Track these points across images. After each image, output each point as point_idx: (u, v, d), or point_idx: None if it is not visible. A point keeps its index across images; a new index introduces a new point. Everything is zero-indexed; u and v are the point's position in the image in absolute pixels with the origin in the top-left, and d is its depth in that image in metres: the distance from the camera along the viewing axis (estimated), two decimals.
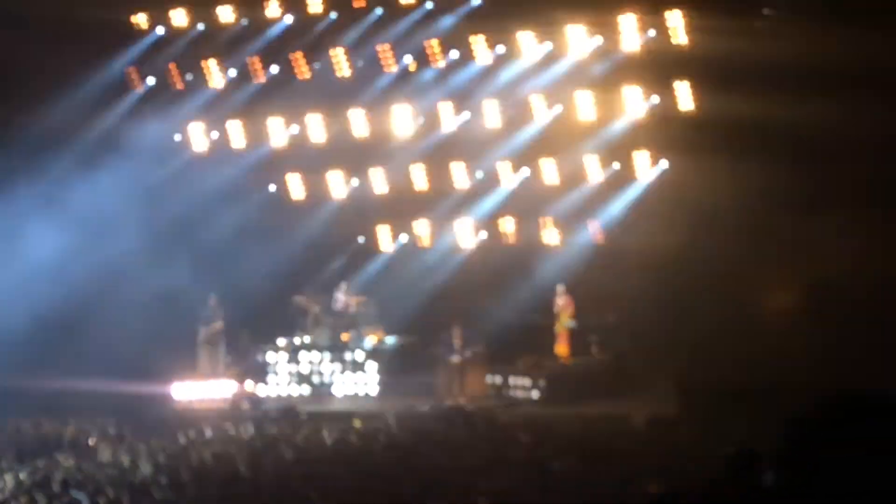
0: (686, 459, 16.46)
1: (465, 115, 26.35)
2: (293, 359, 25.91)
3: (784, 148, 22.34)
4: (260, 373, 25.77)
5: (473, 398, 24.07)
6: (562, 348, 24.98)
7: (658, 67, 24.19)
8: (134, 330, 24.91)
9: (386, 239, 28.00)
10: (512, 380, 24.75)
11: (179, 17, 27.79)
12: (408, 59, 26.46)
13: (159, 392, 24.79)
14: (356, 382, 25.57)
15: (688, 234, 23.59)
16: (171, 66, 28.18)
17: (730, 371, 21.65)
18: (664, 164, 24.85)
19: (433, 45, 26.05)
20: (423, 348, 25.53)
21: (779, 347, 21.94)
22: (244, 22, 27.48)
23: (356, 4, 26.53)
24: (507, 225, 26.63)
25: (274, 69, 27.56)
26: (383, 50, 26.42)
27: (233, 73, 27.96)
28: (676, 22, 23.62)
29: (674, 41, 23.71)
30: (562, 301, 24.93)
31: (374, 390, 25.44)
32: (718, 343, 22.47)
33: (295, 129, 27.83)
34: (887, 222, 21.72)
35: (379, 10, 26.40)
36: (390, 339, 26.28)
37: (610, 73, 24.81)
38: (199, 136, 28.53)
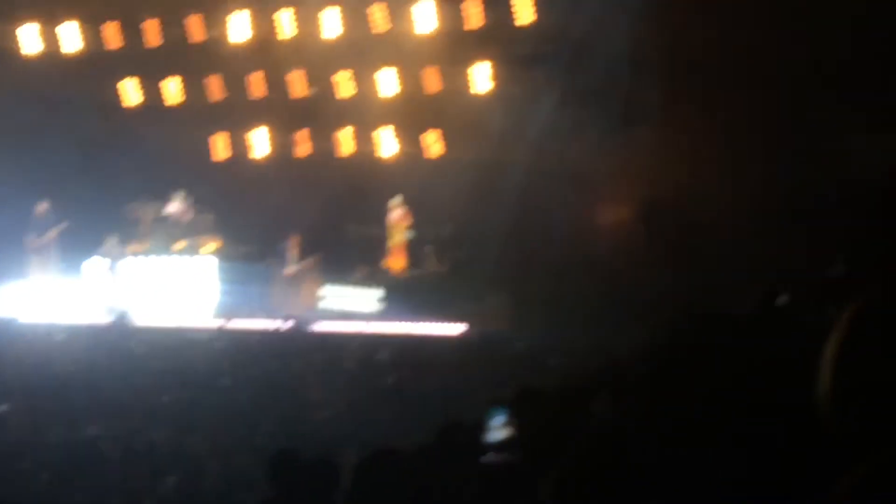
0: (519, 371, 16.57)
1: (305, 22, 25.91)
2: (124, 268, 25.49)
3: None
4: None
5: (307, 310, 23.96)
6: (396, 261, 24.91)
7: None
8: None
9: (223, 147, 27.54)
10: (346, 291, 24.69)
11: None
12: None
13: None
14: (192, 293, 25.23)
15: (526, 147, 23.68)
16: None
17: (567, 283, 21.87)
18: (502, 75, 24.68)
19: None
20: (259, 259, 25.30)
21: (613, 261, 22.23)
22: None
23: None
24: (344, 135, 26.35)
25: None
26: None
27: None
28: None
29: None
30: (398, 213, 24.82)
31: (209, 301, 25.12)
32: (554, 256, 22.66)
33: (131, 33, 27.15)
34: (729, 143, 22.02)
35: None
36: (226, 249, 25.90)
37: None
38: (31, 39, 27.72)
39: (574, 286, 21.88)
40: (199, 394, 17.53)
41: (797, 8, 21.07)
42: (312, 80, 26.19)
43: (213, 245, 25.75)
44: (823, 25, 20.56)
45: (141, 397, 17.38)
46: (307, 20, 25.75)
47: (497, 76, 24.56)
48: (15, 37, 27.64)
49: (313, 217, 25.07)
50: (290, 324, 21.96)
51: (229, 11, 26.25)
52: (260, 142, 27.16)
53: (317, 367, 19.21)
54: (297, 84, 26.30)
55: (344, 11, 25.44)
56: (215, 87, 26.99)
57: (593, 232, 23.69)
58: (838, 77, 20.68)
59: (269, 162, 27.04)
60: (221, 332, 22.64)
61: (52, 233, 25.80)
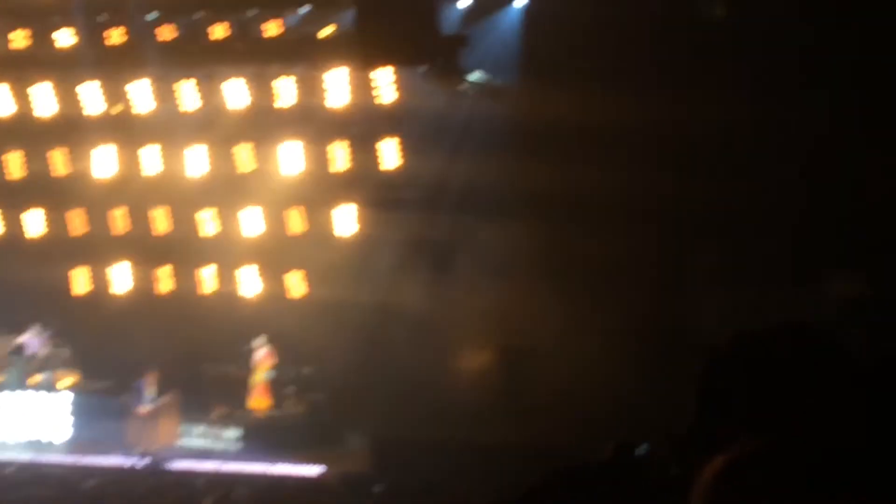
0: None
1: (172, 161, 25.99)
2: None
3: (490, 209, 23.00)
4: None
5: (164, 448, 23.72)
6: (258, 401, 24.82)
7: (365, 124, 24.42)
8: None
9: (82, 282, 27.31)
10: (205, 430, 24.53)
11: None
12: (113, 103, 25.96)
13: None
14: (44, 428, 24.84)
15: (389, 292, 23.95)
16: None
17: (424, 426, 21.98)
18: (367, 221, 24.94)
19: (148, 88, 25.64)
20: (115, 395, 25.01)
21: (474, 407, 22.44)
22: None
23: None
24: (208, 274, 26.35)
25: None
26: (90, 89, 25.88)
27: None
28: (384, 80, 23.84)
29: (380, 100, 23.91)
30: (261, 353, 24.81)
31: (62, 437, 24.73)
32: (416, 400, 22.80)
33: None
34: (579, 293, 22.49)
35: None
36: (83, 384, 25.60)
37: (319, 128, 24.87)
38: None
39: (434, 430, 22.00)
40: None
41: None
42: (176, 217, 26.19)
43: (69, 379, 25.44)
44: None
45: None
46: (173, 157, 25.83)
47: (361, 219, 24.84)
48: None
49: (172, 354, 24.95)
50: (145, 461, 21.70)
51: (94, 145, 26.20)
52: (121, 277, 26.99)
53: None
54: (161, 220, 26.29)
55: (211, 150, 25.58)
56: (77, 222, 26.85)
57: (453, 376, 23.90)
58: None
59: (130, 297, 26.86)
60: (75, 469, 22.28)
61: None
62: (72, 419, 24.83)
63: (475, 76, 23.01)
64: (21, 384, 25.21)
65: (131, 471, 21.50)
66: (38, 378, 25.35)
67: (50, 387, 25.19)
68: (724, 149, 21.82)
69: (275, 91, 24.66)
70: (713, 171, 21.58)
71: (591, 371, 21.56)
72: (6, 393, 25.06)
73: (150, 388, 24.20)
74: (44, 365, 25.59)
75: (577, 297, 22.48)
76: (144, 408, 24.06)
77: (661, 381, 20.27)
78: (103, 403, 24.91)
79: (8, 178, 26.94)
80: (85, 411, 24.90)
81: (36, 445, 24.39)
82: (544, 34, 22.86)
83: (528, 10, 23.59)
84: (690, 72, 21.55)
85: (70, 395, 25.12)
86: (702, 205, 21.57)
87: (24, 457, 23.24)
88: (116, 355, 25.28)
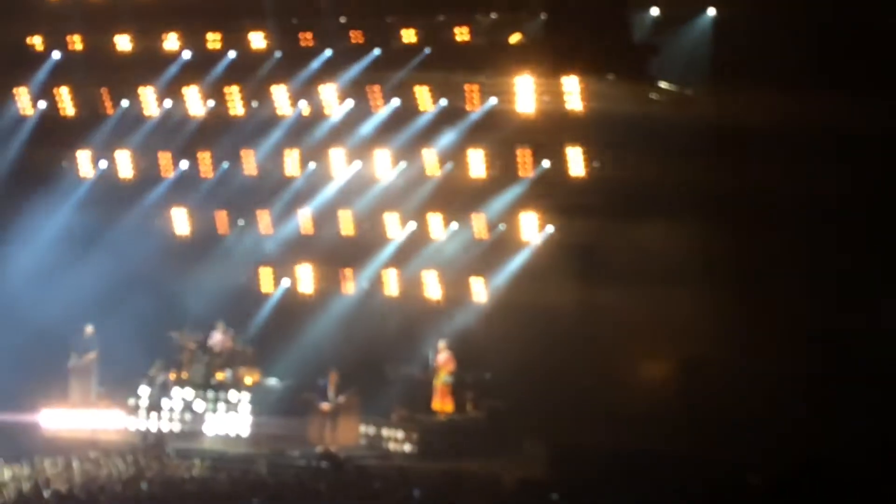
0: None
1: (357, 164, 26.35)
2: (166, 394, 25.63)
3: (674, 215, 22.82)
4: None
5: (345, 447, 23.99)
6: (439, 403, 24.96)
7: (551, 131, 24.41)
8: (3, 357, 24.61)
9: (268, 282, 27.78)
10: (385, 431, 24.76)
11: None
12: (303, 105, 26.39)
13: (28, 420, 24.43)
14: (229, 422, 25.33)
15: (570, 299, 23.90)
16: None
17: (601, 436, 21.89)
18: (550, 228, 24.96)
19: (334, 92, 25.99)
20: (298, 392, 25.39)
21: (649, 416, 22.28)
22: None
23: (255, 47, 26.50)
24: (391, 277, 26.60)
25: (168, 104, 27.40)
26: (279, 92, 26.33)
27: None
28: (572, 87, 23.81)
29: (568, 106, 23.89)
30: (442, 356, 24.94)
31: (246, 431, 25.20)
32: (591, 407, 22.73)
33: (185, 164, 27.65)
34: (761, 301, 22.22)
35: (278, 54, 26.35)
36: (267, 381, 26.07)
37: (503, 135, 24.95)
38: (85, 164, 28.24)
39: (610, 438, 21.90)
40: None
41: None
42: (361, 220, 26.49)
43: (252, 376, 25.90)
44: None
45: None
46: (360, 160, 26.17)
47: (545, 225, 24.87)
48: None
49: (354, 354, 25.28)
50: (326, 459, 21.96)
51: (282, 147, 26.65)
52: (306, 278, 27.39)
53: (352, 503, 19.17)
54: (347, 223, 26.62)
55: (396, 154, 25.87)
56: (264, 222, 27.35)
57: (633, 387, 23.75)
58: None
59: (314, 297, 27.23)
60: (258, 460, 22.75)
61: (92, 355, 25.99)
62: (254, 415, 25.25)
63: (665, 84, 22.90)
64: (207, 380, 25.74)
65: (312, 467, 21.80)
66: (223, 375, 25.86)
67: (234, 384, 25.67)
68: None
69: (464, 96, 24.78)
70: None
71: (766, 384, 21.32)
72: (192, 388, 25.62)
73: (332, 386, 24.48)
74: (228, 362, 26.08)
75: (757, 306, 22.21)
76: (326, 405, 24.34)
77: (833, 402, 20.13)
78: (286, 400, 25.31)
79: (200, 176, 27.48)
80: (268, 408, 25.30)
81: (223, 440, 24.93)
82: (735, 43, 22.65)
83: (718, 19, 23.38)
84: (872, 77, 21.20)
85: (252, 392, 25.55)
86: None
87: (213, 449, 23.82)
88: (300, 355, 25.70)
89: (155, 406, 25.60)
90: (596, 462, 20.97)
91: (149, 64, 27.06)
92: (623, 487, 18.80)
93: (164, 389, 25.67)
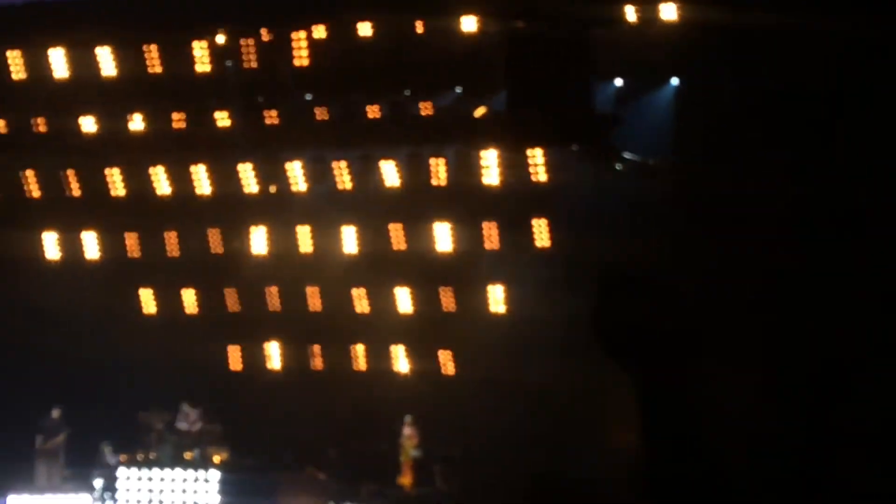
0: None
1: (325, 240, 26.30)
2: (134, 475, 25.42)
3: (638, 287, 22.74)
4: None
5: None
6: (406, 478, 24.87)
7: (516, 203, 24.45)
8: None
9: (236, 358, 27.65)
10: None
11: None
12: (269, 182, 26.39)
13: None
14: (197, 502, 25.11)
15: (537, 371, 23.84)
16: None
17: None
18: (517, 296, 24.94)
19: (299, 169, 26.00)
20: (265, 471, 25.23)
21: (630, 482, 22.15)
22: None
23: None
24: (358, 350, 26.51)
25: None
26: (244, 170, 26.30)
27: None
28: (536, 160, 23.87)
29: (533, 178, 23.95)
30: (408, 431, 24.88)
31: None
32: (564, 481, 22.59)
33: (151, 243, 27.51)
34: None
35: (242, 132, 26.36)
36: (235, 460, 25.89)
37: (469, 207, 24.98)
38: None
39: None
40: None
41: None
42: (328, 295, 26.44)
43: (219, 456, 25.73)
44: None
45: None
46: (325, 237, 26.15)
47: (511, 298, 24.85)
48: None
49: (321, 431, 25.17)
50: None
51: (248, 225, 26.63)
52: (273, 355, 27.27)
53: None
54: (314, 299, 26.55)
55: (362, 229, 25.87)
56: (231, 300, 27.25)
57: (606, 459, 23.62)
58: None
59: (280, 375, 27.10)
60: None
61: (60, 438, 25.84)
62: (222, 496, 25.04)
63: (629, 155, 23.01)
64: (175, 460, 25.54)
65: None
66: (191, 454, 25.67)
67: (202, 463, 25.48)
68: None
69: (428, 170, 24.84)
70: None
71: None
72: (160, 469, 25.41)
73: (297, 464, 24.36)
74: (197, 441, 25.91)
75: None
76: (292, 483, 24.19)
77: None
78: (253, 480, 25.12)
79: (165, 256, 27.37)
80: (235, 488, 25.10)
81: None
82: (698, 112, 22.78)
83: (681, 88, 23.56)
84: (838, 144, 21.27)
85: (219, 473, 25.34)
86: None
87: None
88: (267, 432, 25.56)
89: (110, 489, 25.40)
90: None
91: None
92: None
93: (114, 472, 25.48)
